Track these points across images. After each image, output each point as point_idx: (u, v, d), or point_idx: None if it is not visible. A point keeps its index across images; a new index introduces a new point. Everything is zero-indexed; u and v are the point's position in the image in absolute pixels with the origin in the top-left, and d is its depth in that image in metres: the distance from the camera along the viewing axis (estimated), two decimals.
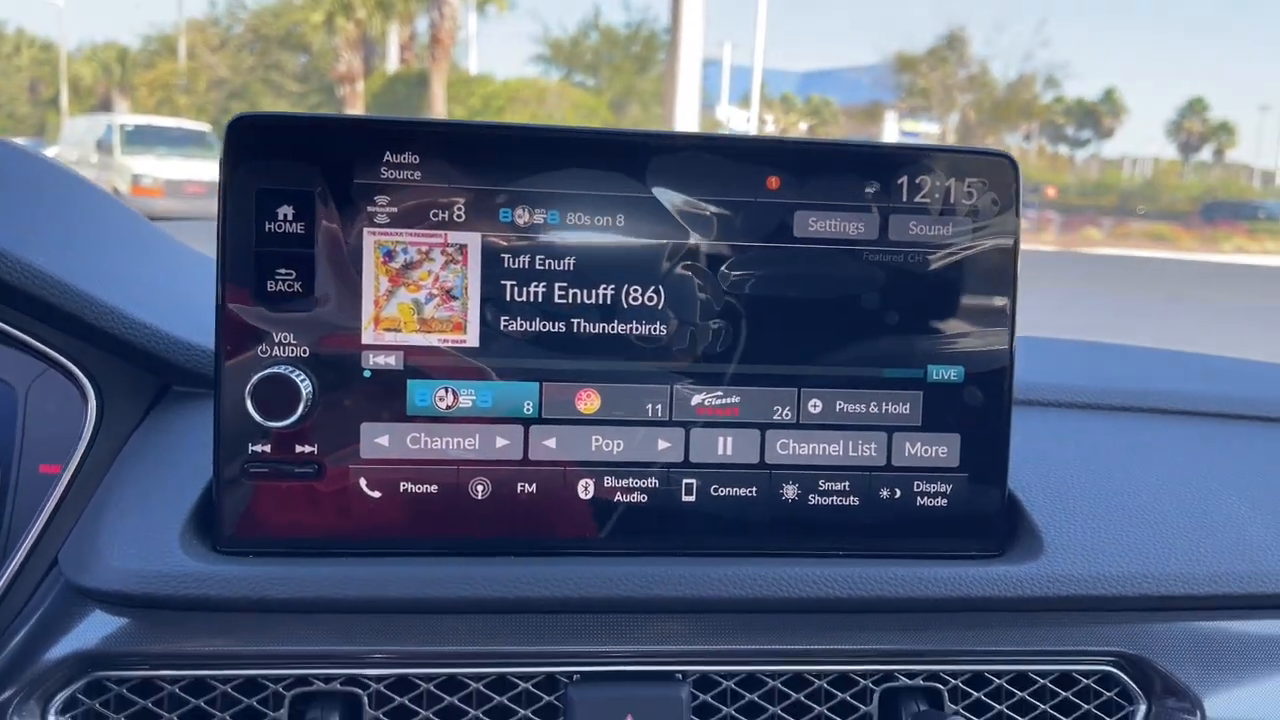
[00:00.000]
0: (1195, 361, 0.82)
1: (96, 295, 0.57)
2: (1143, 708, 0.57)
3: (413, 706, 0.53)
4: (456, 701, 0.54)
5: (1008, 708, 0.56)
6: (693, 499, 0.55)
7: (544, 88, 22.39)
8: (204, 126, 16.74)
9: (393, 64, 22.07)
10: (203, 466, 0.55)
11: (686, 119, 10.54)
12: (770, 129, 33.49)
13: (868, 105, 32.72)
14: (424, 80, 18.97)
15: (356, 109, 18.27)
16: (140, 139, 14.47)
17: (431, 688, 0.53)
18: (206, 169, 13.79)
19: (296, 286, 0.52)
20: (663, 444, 0.55)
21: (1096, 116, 33.54)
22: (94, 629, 0.52)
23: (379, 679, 0.53)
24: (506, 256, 0.53)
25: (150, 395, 0.61)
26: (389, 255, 0.53)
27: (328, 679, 0.53)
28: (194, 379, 0.61)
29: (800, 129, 34.69)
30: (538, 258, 0.53)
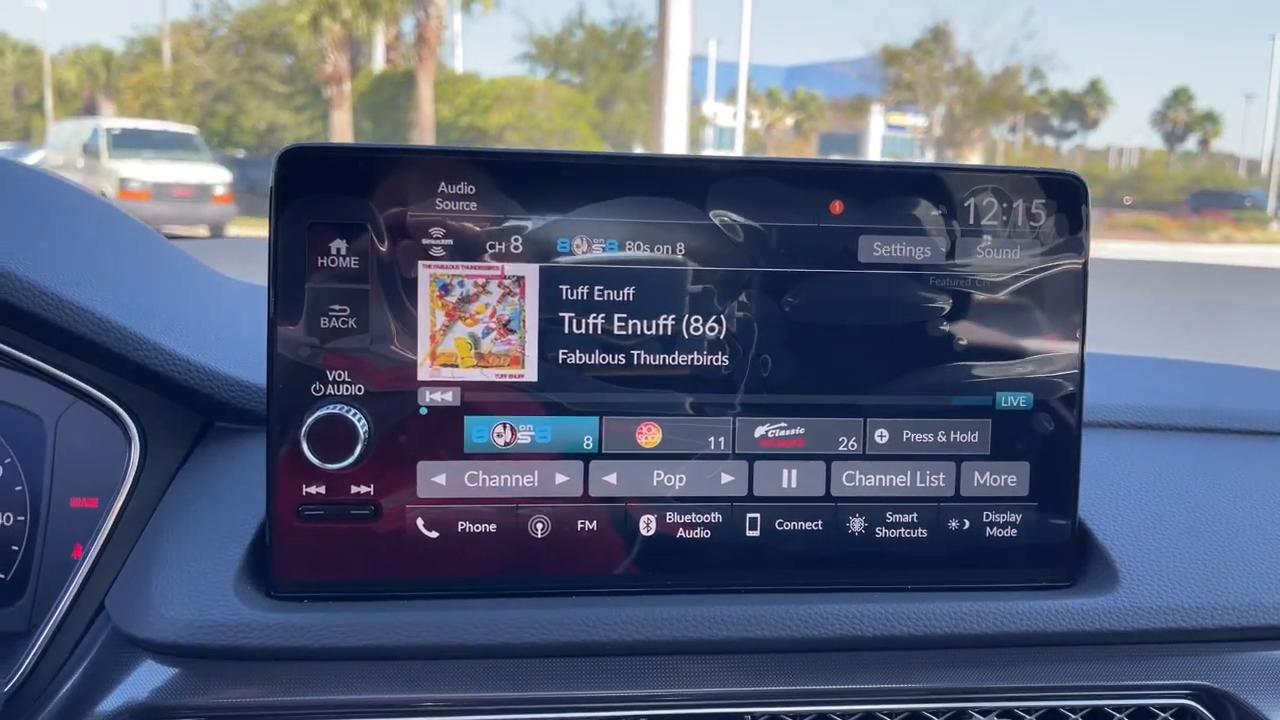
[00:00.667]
0: (1262, 377, 0.81)
1: (139, 332, 0.55)
2: None
3: None
4: None
5: None
6: (757, 534, 0.54)
7: (530, 86, 22.33)
8: (191, 129, 16.66)
9: (379, 64, 22.01)
10: (252, 507, 0.54)
11: (674, 115, 10.53)
12: (756, 124, 33.49)
13: (854, 99, 32.72)
14: (411, 80, 18.91)
15: (343, 110, 18.19)
16: (127, 142, 14.39)
17: None
18: (194, 172, 13.72)
19: (351, 323, 0.50)
20: (726, 477, 0.53)
21: (1082, 108, 33.64)
22: (145, 680, 0.50)
23: None
24: (565, 288, 0.52)
25: (193, 432, 0.60)
26: (445, 289, 0.51)
27: None
28: (238, 415, 0.59)
29: (787, 124, 34.69)
30: (596, 288, 0.52)
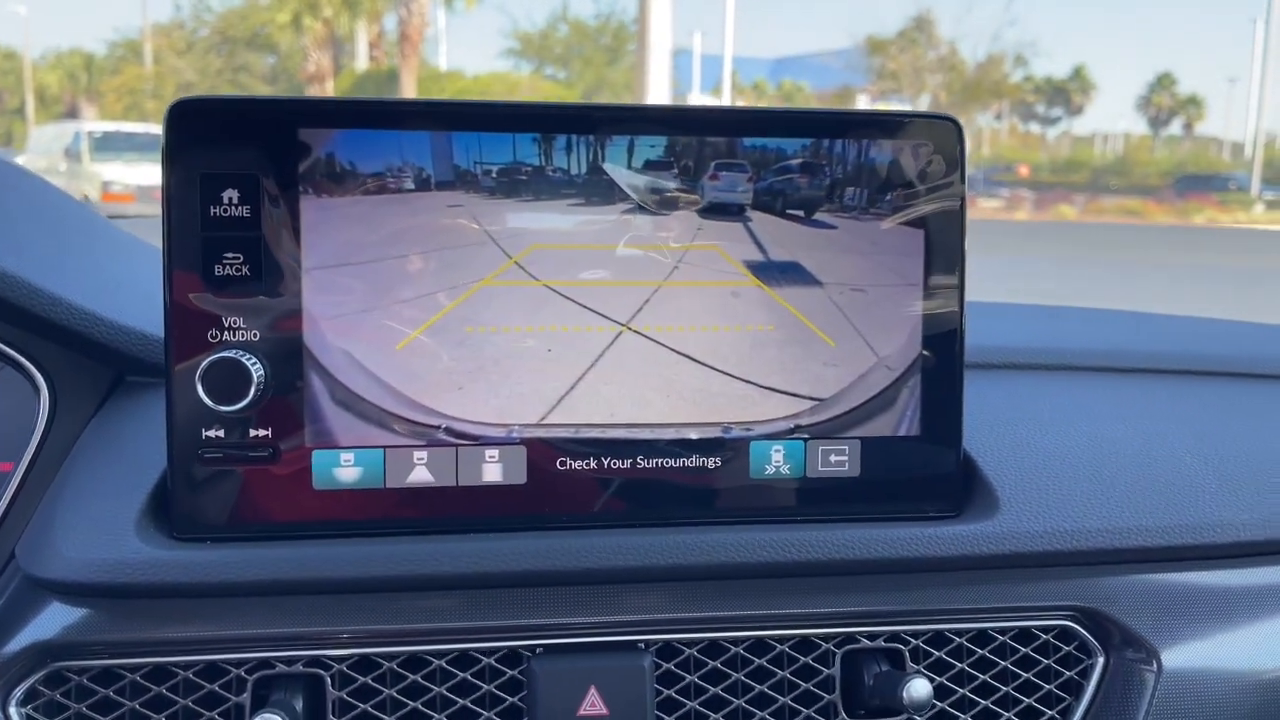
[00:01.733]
0: (1147, 320, 0.83)
1: (44, 286, 0.56)
2: (1101, 660, 0.57)
3: (376, 685, 0.53)
4: (420, 679, 0.54)
5: (969, 665, 0.57)
6: (650, 466, 0.55)
7: (515, 82, 22.30)
8: None
9: (362, 62, 21.93)
10: (157, 455, 0.55)
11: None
12: None
13: (839, 89, 32.75)
14: (394, 78, 18.86)
15: None
16: (109, 145, 14.33)
17: (394, 666, 0.53)
18: None
19: (244, 270, 0.52)
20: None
21: (1066, 94, 33.70)
22: (52, 620, 0.52)
23: (341, 659, 0.53)
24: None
25: (104, 387, 0.61)
26: None
27: (290, 661, 0.53)
28: (147, 369, 0.60)
29: None
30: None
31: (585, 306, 0.54)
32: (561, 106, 0.54)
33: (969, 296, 0.57)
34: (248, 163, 0.51)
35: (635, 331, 0.55)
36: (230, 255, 0.52)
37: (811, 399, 0.56)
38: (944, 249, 0.56)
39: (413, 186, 0.53)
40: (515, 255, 0.54)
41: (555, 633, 0.54)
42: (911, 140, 0.56)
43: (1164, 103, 33.75)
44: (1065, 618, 0.57)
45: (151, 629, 0.52)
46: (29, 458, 0.57)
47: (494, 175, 0.53)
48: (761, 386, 0.56)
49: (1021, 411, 0.65)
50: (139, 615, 0.52)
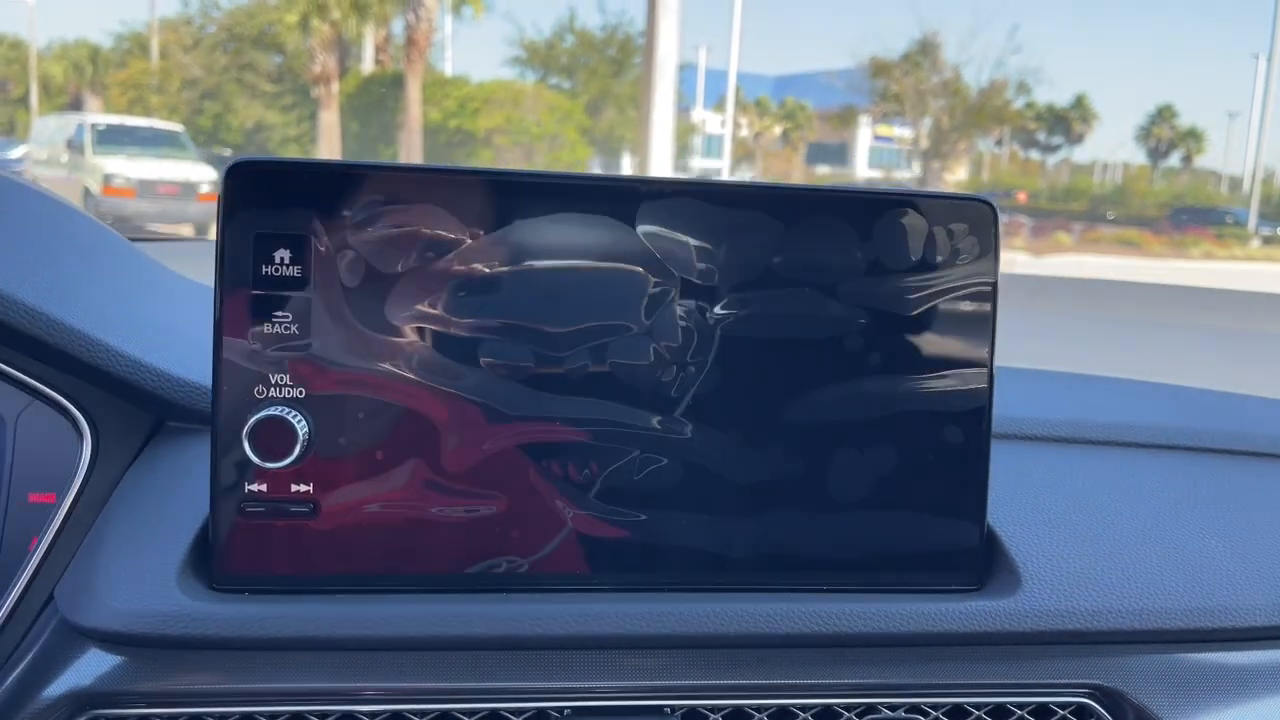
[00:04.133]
0: (1170, 393, 0.84)
1: (92, 333, 0.57)
2: None
3: None
4: None
5: None
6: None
7: (519, 90, 22.33)
8: (177, 127, 16.58)
9: (368, 65, 21.97)
10: (198, 503, 0.56)
11: (662, 123, 10.57)
12: (744, 133, 33.56)
13: (841, 109, 32.85)
14: (399, 82, 18.88)
15: (331, 111, 18.17)
16: (112, 139, 14.33)
17: None
18: (179, 169, 13.66)
19: (293, 329, 0.53)
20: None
21: (1067, 122, 33.86)
22: (90, 667, 0.53)
23: (373, 715, 0.54)
24: (481, 296, 0.54)
25: (144, 431, 0.62)
26: None
27: (323, 715, 0.54)
28: (188, 415, 0.61)
29: (775, 132, 34.79)
30: (514, 298, 0.54)
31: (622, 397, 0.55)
32: (604, 179, 0.56)
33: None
34: (300, 223, 0.52)
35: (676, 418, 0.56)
36: (280, 314, 0.53)
37: None
38: (975, 326, 0.57)
39: (460, 254, 0.54)
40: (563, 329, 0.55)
41: (584, 695, 0.55)
42: (946, 220, 0.57)
43: (1164, 134, 33.92)
44: (1083, 695, 0.58)
45: (188, 680, 0.53)
46: (70, 498, 0.58)
47: (536, 245, 0.54)
48: None
49: (1043, 485, 0.66)
50: (176, 666, 0.53)
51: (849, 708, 0.57)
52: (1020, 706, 0.58)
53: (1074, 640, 0.58)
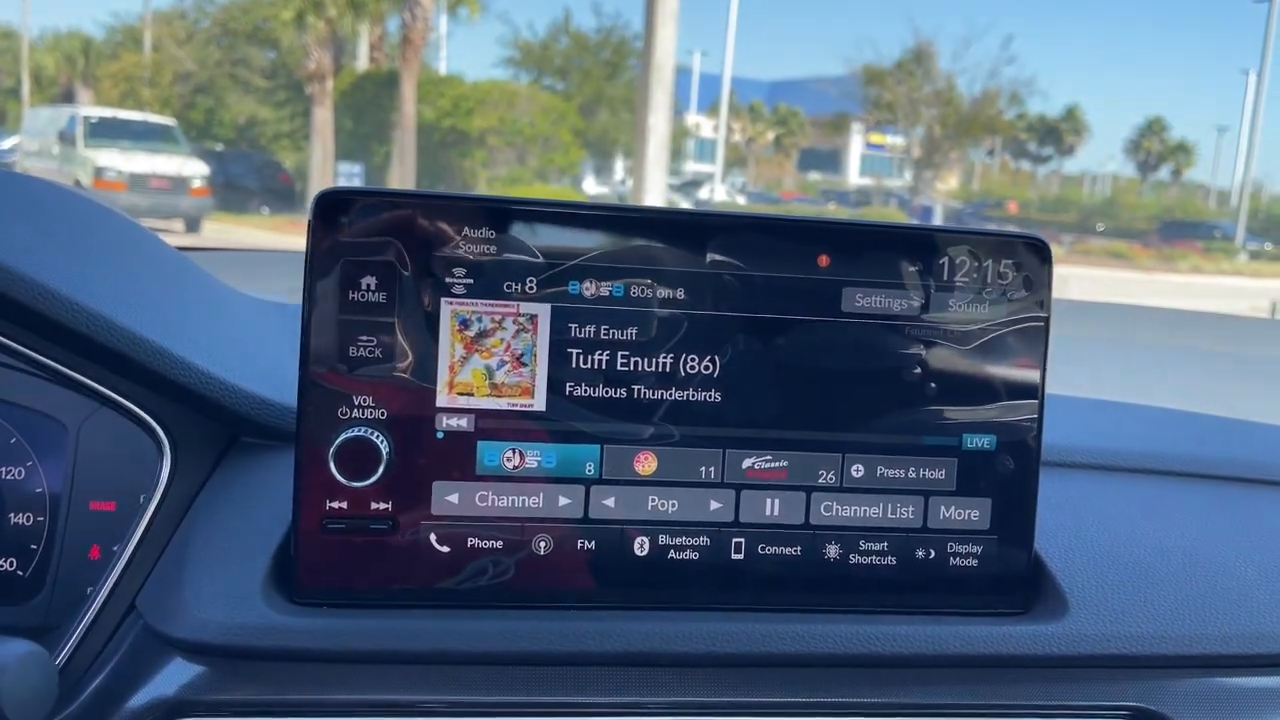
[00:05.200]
0: (1211, 424, 0.87)
1: (172, 349, 0.59)
2: None
3: None
4: None
5: None
6: (741, 557, 0.59)
7: (514, 91, 22.34)
8: (169, 121, 16.53)
9: (362, 63, 21.96)
10: (276, 518, 0.58)
11: (658, 128, 10.61)
12: (737, 138, 33.66)
13: (834, 116, 32.99)
14: (394, 80, 18.87)
15: (325, 107, 18.14)
16: (104, 131, 14.29)
17: None
18: (171, 163, 13.63)
19: (377, 353, 0.55)
20: (714, 504, 0.58)
21: (1058, 133, 34.07)
22: (175, 676, 0.54)
23: None
24: (573, 326, 0.56)
25: (219, 445, 0.64)
26: (464, 324, 0.55)
27: None
28: (261, 430, 0.63)
29: (768, 138, 34.89)
30: (602, 327, 0.56)
31: (691, 424, 0.57)
32: (679, 212, 0.58)
33: None
34: (385, 252, 0.54)
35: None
36: (365, 338, 0.54)
37: None
38: (1027, 360, 0.60)
39: (541, 283, 0.56)
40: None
41: (647, 711, 0.57)
42: (1001, 256, 0.59)
43: (1153, 147, 34.16)
44: (1124, 716, 0.61)
45: (269, 691, 0.55)
46: (151, 509, 0.60)
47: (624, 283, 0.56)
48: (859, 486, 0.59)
49: (1087, 513, 0.68)
50: (256, 677, 0.55)
51: None
52: None
53: (1118, 665, 0.60)
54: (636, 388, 0.57)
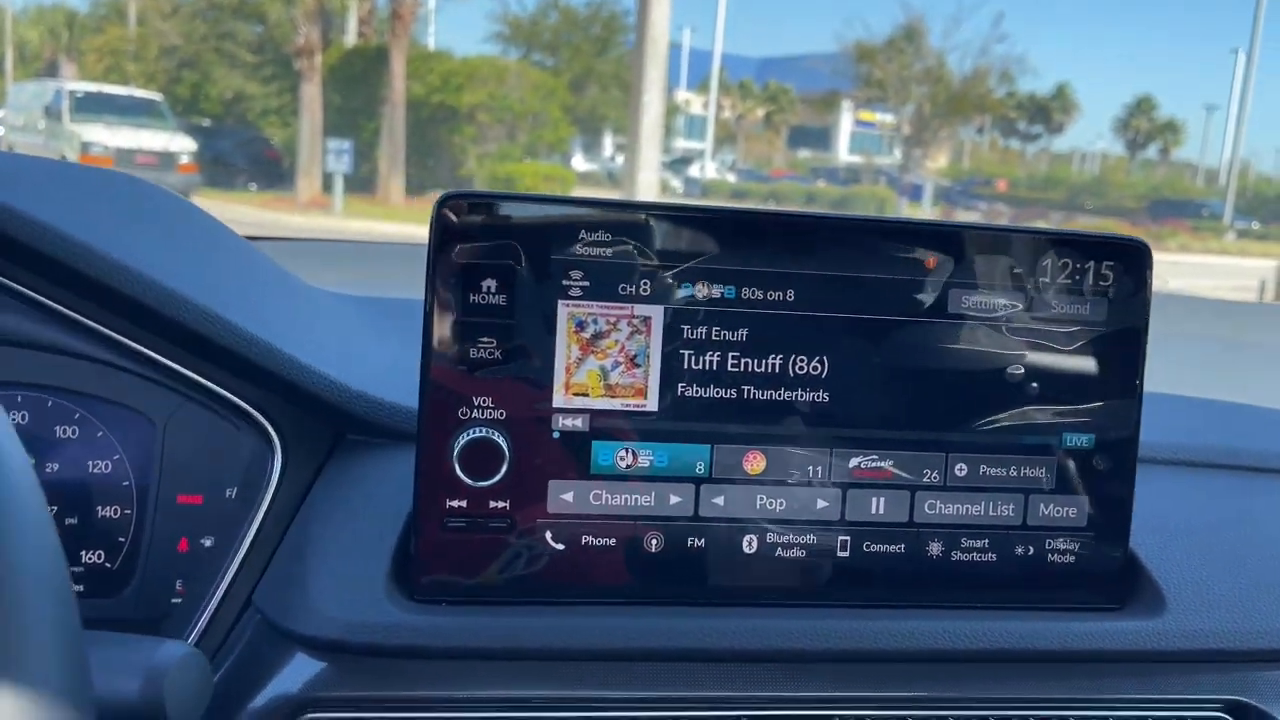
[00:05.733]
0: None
1: (281, 347, 0.60)
2: None
3: None
4: None
5: None
6: (847, 554, 0.60)
7: (503, 67, 22.17)
8: (156, 95, 16.37)
9: (351, 38, 21.74)
10: (391, 516, 0.59)
11: (652, 105, 10.57)
12: (727, 114, 33.54)
13: (825, 93, 32.88)
14: (383, 55, 18.70)
15: (313, 83, 17.98)
16: (90, 106, 14.15)
17: None
18: (158, 139, 13.52)
19: (496, 354, 0.55)
20: (821, 503, 0.59)
21: (1048, 112, 34.06)
22: (299, 673, 0.55)
23: None
24: (686, 328, 0.57)
25: (326, 442, 0.64)
26: (581, 326, 0.56)
27: None
28: (366, 428, 0.64)
29: (757, 115, 34.78)
30: (714, 329, 0.57)
31: (803, 419, 0.58)
32: (790, 214, 0.58)
33: None
34: (505, 254, 0.55)
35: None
36: (485, 340, 0.55)
37: None
38: (1126, 356, 0.61)
39: (658, 284, 0.56)
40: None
41: (761, 704, 0.58)
42: (1104, 258, 0.60)
43: (1142, 126, 34.22)
44: (1220, 710, 0.62)
45: (390, 687, 0.55)
46: (265, 505, 0.60)
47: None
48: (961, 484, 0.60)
49: (1180, 509, 0.69)
50: (378, 673, 0.55)
51: (1000, 719, 0.61)
52: None
53: (1210, 659, 0.61)
54: (746, 388, 0.58)
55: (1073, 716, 0.61)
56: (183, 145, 13.95)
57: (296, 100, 18.74)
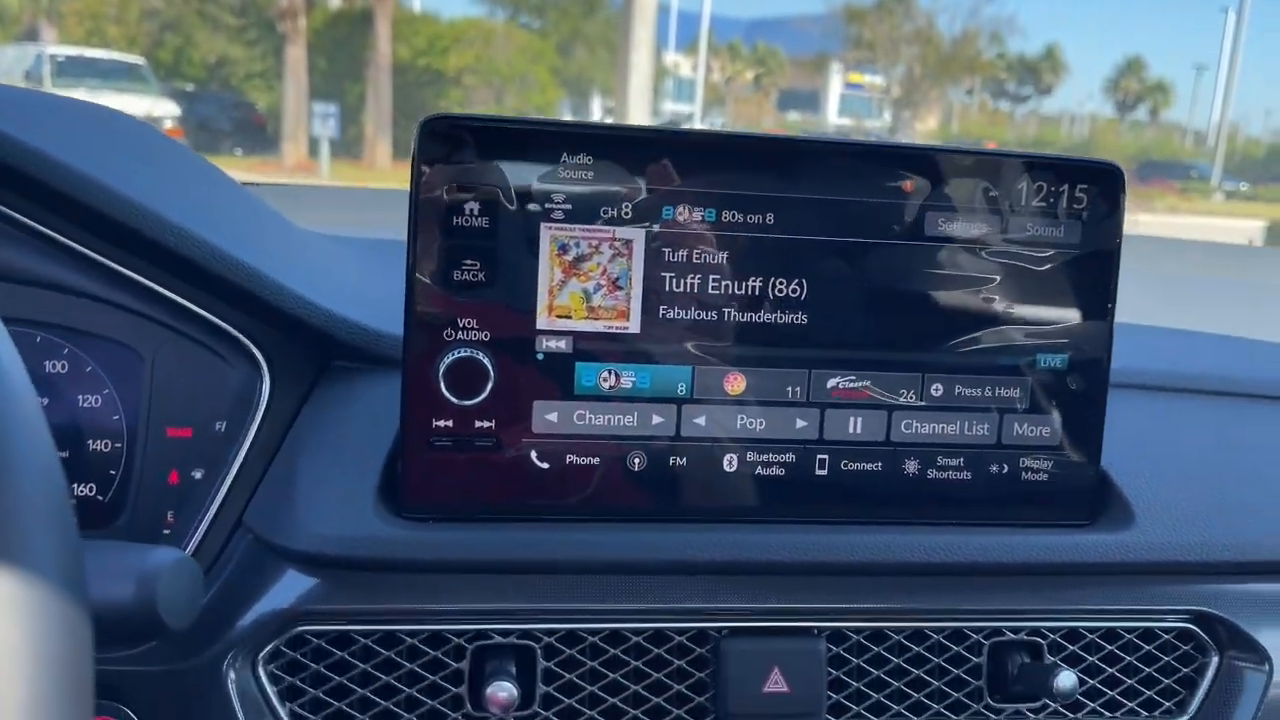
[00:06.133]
0: (1265, 349, 0.90)
1: (270, 273, 0.60)
2: (1215, 659, 0.65)
3: (580, 658, 0.59)
4: (619, 653, 0.59)
5: (1099, 659, 0.64)
6: (825, 473, 0.61)
7: (490, 29, 21.97)
8: (138, 59, 16.18)
9: (335, 0, 21.50)
10: (379, 438, 0.60)
11: (640, 66, 10.52)
12: (716, 77, 33.31)
13: (814, 56, 32.70)
14: (368, 18, 18.51)
15: (298, 46, 17.79)
16: (71, 71, 14.00)
17: (597, 641, 0.59)
18: (141, 104, 13.38)
19: (480, 276, 0.56)
20: (800, 423, 0.61)
21: (1037, 73, 33.90)
22: (291, 588, 0.57)
23: (550, 633, 0.59)
24: (667, 250, 0.58)
25: (314, 370, 0.65)
26: (563, 249, 0.57)
27: (505, 633, 0.58)
28: (353, 354, 0.65)
29: (747, 77, 34.56)
30: (695, 252, 0.58)
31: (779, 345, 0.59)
32: (773, 138, 0.59)
33: None
34: (488, 178, 0.56)
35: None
36: (468, 262, 0.56)
37: None
38: (1099, 278, 0.62)
39: (639, 207, 0.57)
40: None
41: (740, 616, 0.60)
42: (1078, 181, 0.61)
43: (1132, 87, 34.11)
44: (1186, 620, 0.64)
45: (381, 599, 0.57)
46: (254, 430, 0.61)
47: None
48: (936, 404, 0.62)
49: (1152, 431, 0.71)
50: (370, 587, 0.57)
51: (976, 630, 0.62)
52: (1129, 631, 0.64)
53: (1178, 571, 0.63)
54: (727, 310, 0.59)
55: (1043, 628, 0.63)
56: (166, 110, 13.83)
57: (281, 64, 18.55)
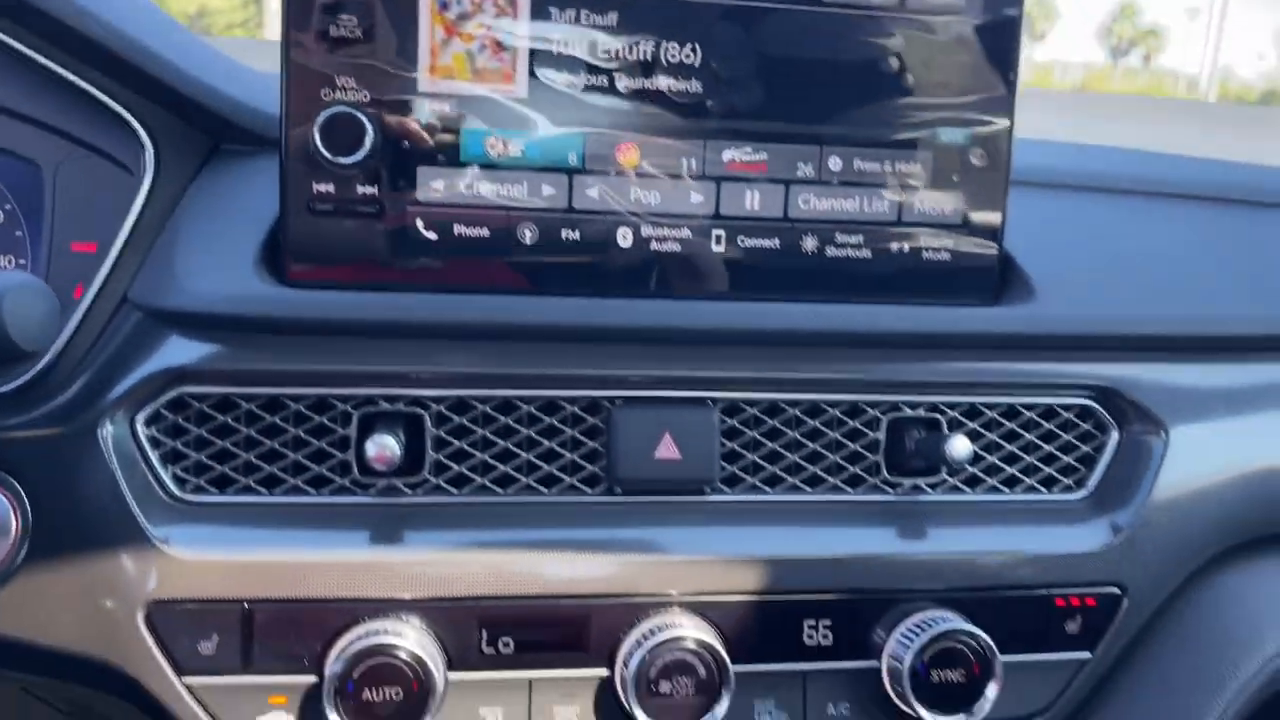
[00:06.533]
0: (1178, 160, 0.88)
1: (161, 52, 0.59)
2: (1115, 435, 0.64)
3: (470, 426, 0.58)
4: (511, 422, 0.59)
5: (998, 436, 0.63)
6: (721, 249, 0.60)
7: None
8: None
9: None
10: (264, 214, 0.59)
11: None
12: None
13: None
14: None
15: None
16: None
17: (488, 409, 0.58)
18: None
19: (357, 32, 0.55)
20: (696, 197, 0.59)
21: (1030, 19, 33.56)
22: (174, 350, 0.56)
23: (439, 400, 0.58)
24: (554, 10, 0.56)
25: (203, 152, 0.64)
26: (444, 5, 0.55)
27: (392, 399, 0.57)
28: (244, 136, 0.63)
29: None
30: (583, 12, 0.57)
31: (676, 108, 0.58)
32: None
33: None
34: None
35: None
36: (345, 17, 0.54)
37: None
38: (1001, 48, 0.60)
39: None
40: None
41: (634, 386, 0.59)
42: None
43: (1125, 33, 33.82)
44: (1086, 397, 0.63)
45: (265, 361, 0.56)
46: (137, 207, 0.60)
47: None
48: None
49: (1057, 221, 0.70)
50: (253, 348, 0.56)
51: (874, 405, 0.62)
52: (1029, 407, 0.63)
53: (1078, 345, 0.62)
54: (618, 75, 0.57)
55: (942, 403, 0.62)
56: None
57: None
